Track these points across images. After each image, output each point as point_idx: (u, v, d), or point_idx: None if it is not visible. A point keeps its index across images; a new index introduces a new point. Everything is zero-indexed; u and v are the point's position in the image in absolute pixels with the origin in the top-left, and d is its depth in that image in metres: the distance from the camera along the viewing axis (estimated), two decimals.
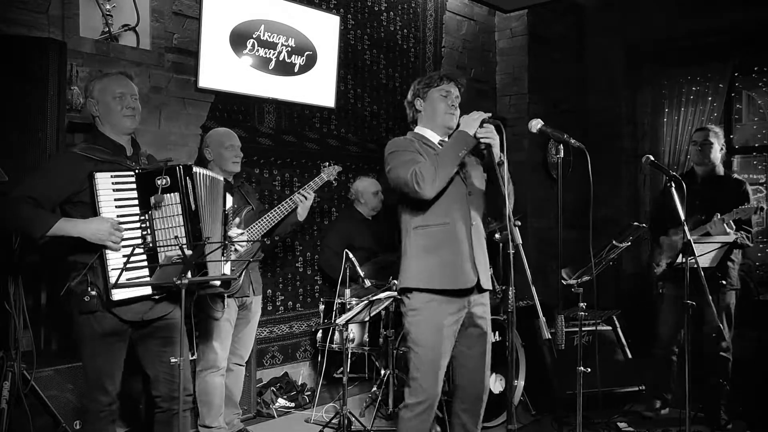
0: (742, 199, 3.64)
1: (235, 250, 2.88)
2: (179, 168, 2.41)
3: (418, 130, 2.72)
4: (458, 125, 2.57)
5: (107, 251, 2.32)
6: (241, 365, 3.52)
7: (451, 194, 2.54)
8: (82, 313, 2.36)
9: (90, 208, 2.33)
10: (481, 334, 2.64)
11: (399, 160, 2.54)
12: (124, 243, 2.33)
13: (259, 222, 3.36)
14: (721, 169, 3.82)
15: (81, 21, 3.41)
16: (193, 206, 2.42)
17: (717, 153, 3.79)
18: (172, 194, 2.40)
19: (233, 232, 2.83)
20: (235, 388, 3.51)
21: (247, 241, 3.19)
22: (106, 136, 2.48)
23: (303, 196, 3.44)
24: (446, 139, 2.66)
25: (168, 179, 2.38)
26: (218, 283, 2.63)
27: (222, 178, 2.72)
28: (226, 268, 2.65)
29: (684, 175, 3.82)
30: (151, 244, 2.38)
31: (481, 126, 2.49)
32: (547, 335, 2.26)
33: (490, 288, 2.65)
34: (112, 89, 2.47)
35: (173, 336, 2.53)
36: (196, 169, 2.48)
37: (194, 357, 3.32)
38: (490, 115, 2.51)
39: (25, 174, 2.47)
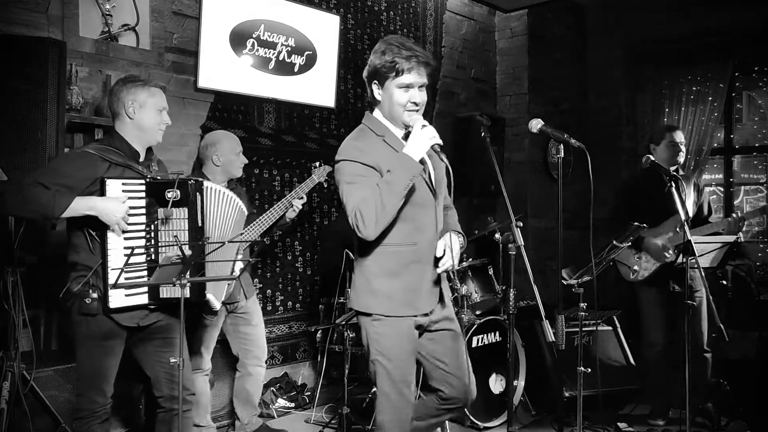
0: (700, 196, 3.84)
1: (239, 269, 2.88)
2: (190, 183, 2.40)
3: (378, 116, 2.32)
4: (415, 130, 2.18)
5: (110, 258, 2.32)
6: (260, 366, 3.53)
7: (419, 206, 2.26)
8: (81, 314, 2.37)
9: None
10: (448, 330, 2.38)
11: (346, 190, 2.19)
12: (125, 252, 2.32)
13: (252, 226, 3.35)
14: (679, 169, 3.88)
15: (80, 21, 3.41)
16: (200, 222, 2.42)
17: (684, 152, 3.84)
18: (180, 209, 2.39)
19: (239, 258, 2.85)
20: (255, 390, 3.53)
21: (244, 241, 3.18)
22: (124, 139, 2.47)
23: (289, 203, 3.42)
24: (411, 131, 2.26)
25: (178, 193, 2.37)
26: (218, 306, 2.62)
27: (244, 207, 2.74)
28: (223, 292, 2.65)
29: (645, 173, 3.82)
30: (153, 255, 2.37)
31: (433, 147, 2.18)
32: (550, 338, 2.24)
33: (451, 298, 2.46)
34: (159, 102, 2.50)
35: (172, 337, 2.53)
36: (206, 185, 2.49)
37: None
38: (440, 144, 2.18)
39: (23, 174, 2.47)
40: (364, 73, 2.32)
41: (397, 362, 2.26)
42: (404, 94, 2.20)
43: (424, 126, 2.19)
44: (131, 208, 2.35)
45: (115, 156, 2.41)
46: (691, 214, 3.66)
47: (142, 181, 2.41)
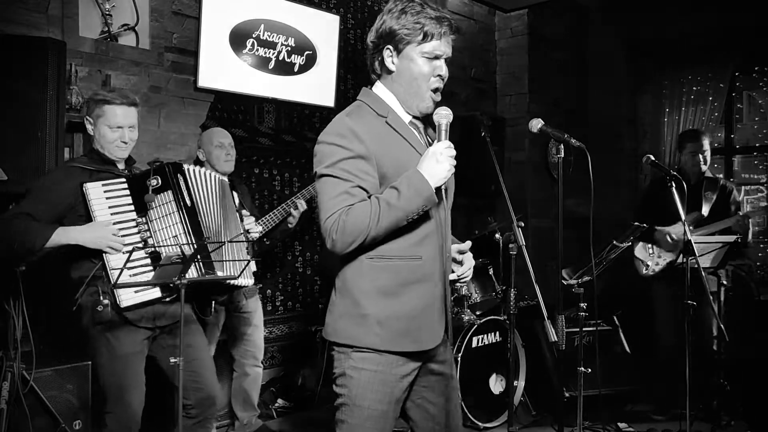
0: (731, 204, 3.86)
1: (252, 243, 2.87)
2: (168, 167, 2.42)
3: (381, 92, 1.89)
4: (437, 149, 1.73)
5: (108, 258, 2.32)
6: (258, 366, 3.55)
7: (426, 213, 1.76)
8: (97, 324, 2.36)
9: (87, 220, 2.35)
10: (443, 378, 1.89)
11: (329, 185, 1.74)
12: (127, 249, 2.32)
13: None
14: (708, 172, 3.90)
15: (80, 21, 3.41)
16: (188, 202, 2.42)
17: (708, 158, 3.89)
18: (165, 193, 2.41)
19: (248, 223, 2.79)
20: (253, 390, 3.55)
21: (242, 241, 3.18)
22: (99, 152, 2.51)
23: (294, 205, 3.44)
24: (416, 122, 1.88)
25: (159, 179, 2.39)
26: (251, 284, 2.62)
27: (222, 177, 2.71)
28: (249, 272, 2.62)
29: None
30: (153, 247, 2.38)
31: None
32: (553, 338, 2.23)
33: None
34: (110, 119, 2.45)
35: (191, 342, 2.53)
36: (186, 166, 2.49)
37: None
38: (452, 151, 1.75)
39: (23, 174, 2.48)
40: (371, 37, 1.89)
41: (361, 419, 1.75)
42: (429, 63, 1.79)
43: (449, 146, 1.73)
44: (117, 207, 2.37)
45: (95, 163, 2.45)
46: (705, 213, 3.71)
47: (123, 179, 2.42)
